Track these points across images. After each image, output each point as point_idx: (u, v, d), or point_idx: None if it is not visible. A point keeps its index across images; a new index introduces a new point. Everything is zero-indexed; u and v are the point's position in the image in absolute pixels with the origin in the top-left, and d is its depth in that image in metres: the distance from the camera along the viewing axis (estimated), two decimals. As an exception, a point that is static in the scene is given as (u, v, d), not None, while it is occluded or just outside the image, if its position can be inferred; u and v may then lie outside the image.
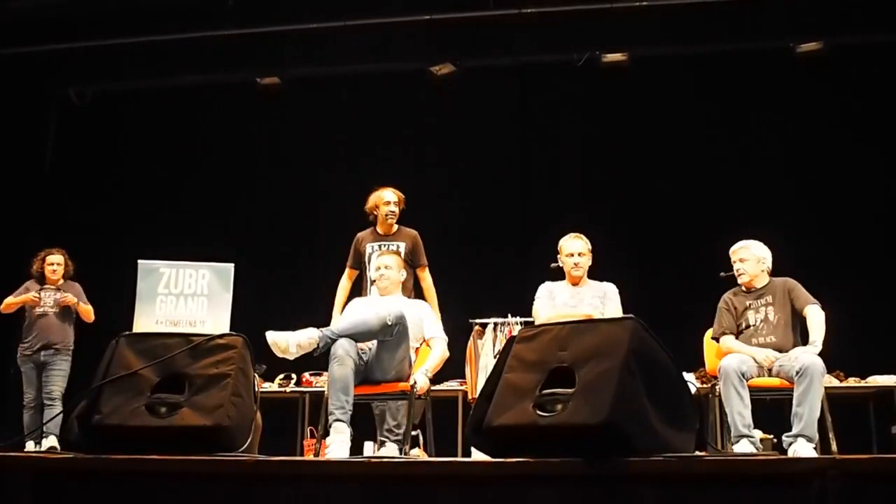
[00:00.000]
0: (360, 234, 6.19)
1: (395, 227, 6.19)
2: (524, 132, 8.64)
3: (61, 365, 6.99)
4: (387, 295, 5.33)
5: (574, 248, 5.45)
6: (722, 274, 5.51)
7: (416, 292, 6.04)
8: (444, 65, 8.41)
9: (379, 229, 6.16)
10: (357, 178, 8.71)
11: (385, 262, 5.36)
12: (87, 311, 7.12)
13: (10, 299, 7.07)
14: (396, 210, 6.12)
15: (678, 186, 8.07)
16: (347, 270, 6.16)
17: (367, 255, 6.04)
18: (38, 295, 7.04)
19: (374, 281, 5.38)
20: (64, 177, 9.06)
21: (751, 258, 5.31)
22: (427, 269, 6.12)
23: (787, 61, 7.96)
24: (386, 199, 6.11)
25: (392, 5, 8.17)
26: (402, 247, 6.05)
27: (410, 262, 6.03)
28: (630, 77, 8.20)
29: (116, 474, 3.06)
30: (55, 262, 7.14)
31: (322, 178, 8.76)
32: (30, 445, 6.65)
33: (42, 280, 7.12)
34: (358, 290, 6.10)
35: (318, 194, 8.74)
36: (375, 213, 6.15)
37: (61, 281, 7.15)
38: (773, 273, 5.37)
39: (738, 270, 5.32)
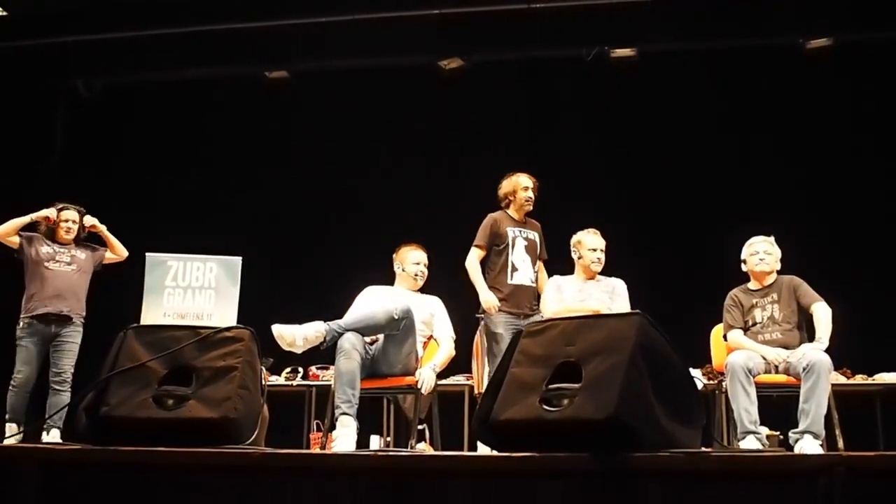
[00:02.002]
0: (496, 216, 5.95)
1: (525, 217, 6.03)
2: (532, 127, 8.62)
3: (75, 338, 6.16)
4: (418, 290, 5.36)
5: (597, 244, 5.56)
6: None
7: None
8: (453, 59, 8.41)
9: (514, 215, 5.96)
10: (365, 172, 8.77)
11: (424, 258, 5.41)
12: (118, 246, 6.42)
13: (12, 222, 6.18)
14: (533, 197, 5.94)
15: (686, 182, 8.05)
16: (478, 250, 5.90)
17: (510, 238, 5.84)
18: (54, 213, 6.22)
19: (415, 276, 5.37)
20: (72, 169, 9.07)
21: (774, 252, 5.32)
22: (544, 263, 6.02)
23: (796, 57, 7.94)
24: (524, 185, 5.93)
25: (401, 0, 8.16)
26: (537, 237, 5.94)
27: (538, 254, 5.92)
28: (639, 72, 8.18)
29: (123, 466, 3.07)
30: (70, 220, 6.29)
31: (329, 172, 8.76)
32: (10, 431, 5.86)
33: (52, 239, 6.28)
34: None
35: (326, 188, 8.75)
36: (511, 198, 5.96)
37: (72, 243, 6.33)
38: (781, 270, 5.37)
39: (762, 259, 5.30)
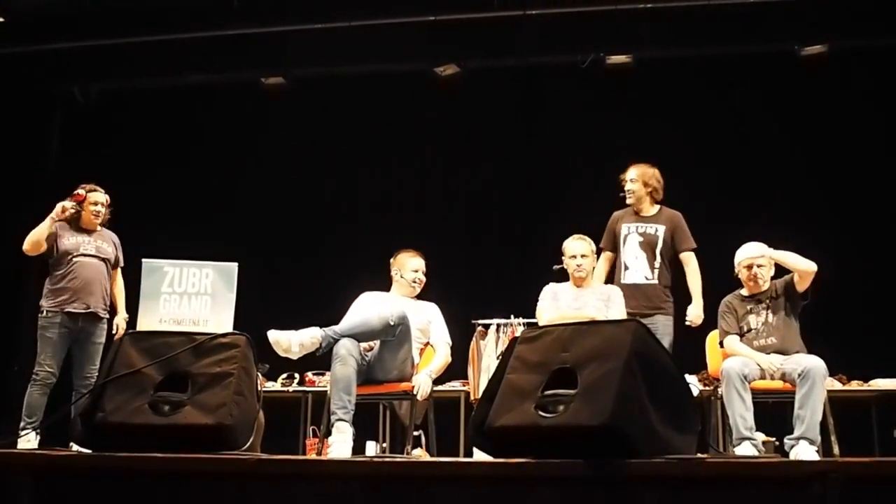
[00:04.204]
0: (616, 213, 5.77)
1: (656, 207, 5.71)
2: (528, 133, 8.63)
3: (101, 337, 5.79)
4: (415, 298, 5.34)
5: (577, 250, 5.42)
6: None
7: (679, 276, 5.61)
8: (449, 66, 8.41)
9: (635, 209, 5.71)
10: (361, 177, 8.78)
11: (422, 266, 5.35)
12: (120, 303, 5.97)
13: (35, 234, 5.67)
14: (634, 188, 5.66)
15: (681, 188, 7.99)
16: (603, 253, 5.71)
17: (622, 236, 5.63)
18: (72, 206, 5.74)
19: (413, 283, 5.31)
20: (68, 175, 9.03)
21: (766, 265, 5.29)
22: (693, 253, 5.61)
23: (791, 64, 7.95)
24: (628, 177, 5.71)
25: (396, 6, 8.17)
26: (661, 231, 5.60)
27: (669, 249, 5.60)
28: (634, 79, 8.19)
29: (119, 472, 3.06)
30: (100, 202, 5.88)
31: (326, 178, 8.77)
32: (31, 438, 5.40)
33: (76, 224, 5.85)
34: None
35: (322, 194, 8.76)
36: (623, 192, 5.74)
37: (99, 229, 5.94)
38: (774, 276, 5.37)
39: (758, 277, 5.27)
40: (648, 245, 5.61)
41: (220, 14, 8.26)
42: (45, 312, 5.74)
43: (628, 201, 5.74)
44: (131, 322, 4.71)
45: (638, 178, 5.70)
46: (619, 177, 5.82)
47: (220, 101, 8.93)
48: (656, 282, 5.57)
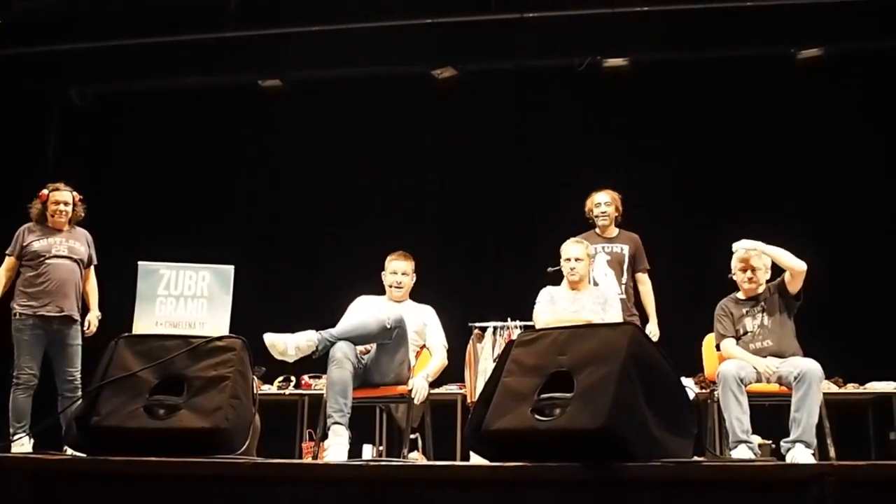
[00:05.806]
0: (583, 236, 6.03)
1: (616, 230, 6.18)
2: (525, 136, 8.63)
3: (77, 338, 5.78)
4: (400, 301, 5.32)
5: (571, 253, 5.48)
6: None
7: (636, 296, 6.05)
8: (446, 68, 8.41)
9: (599, 231, 6.16)
10: (357, 181, 8.76)
11: (402, 268, 5.33)
12: (93, 298, 6.01)
13: None
14: (609, 211, 6.11)
15: (678, 191, 8.07)
16: None
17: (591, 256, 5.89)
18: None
19: (391, 286, 5.33)
20: (65, 178, 9.01)
21: (761, 267, 5.28)
22: (647, 273, 6.14)
23: (787, 67, 7.96)
24: (596, 201, 6.14)
25: (394, 9, 8.16)
26: (626, 250, 6.07)
27: (632, 267, 6.07)
28: (631, 82, 8.20)
29: (114, 476, 3.06)
30: (62, 201, 5.85)
31: (323, 181, 8.76)
32: (24, 442, 5.45)
33: (43, 223, 5.86)
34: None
35: (319, 197, 8.75)
36: (590, 215, 6.18)
37: (67, 226, 5.93)
38: (770, 279, 5.37)
39: (750, 279, 5.27)
40: (617, 262, 6.04)
41: (218, 16, 8.25)
42: (17, 315, 5.71)
43: (602, 223, 6.12)
44: (127, 324, 4.69)
45: (612, 202, 6.13)
46: (586, 203, 6.21)
47: (218, 104, 8.92)
48: (624, 297, 5.93)
